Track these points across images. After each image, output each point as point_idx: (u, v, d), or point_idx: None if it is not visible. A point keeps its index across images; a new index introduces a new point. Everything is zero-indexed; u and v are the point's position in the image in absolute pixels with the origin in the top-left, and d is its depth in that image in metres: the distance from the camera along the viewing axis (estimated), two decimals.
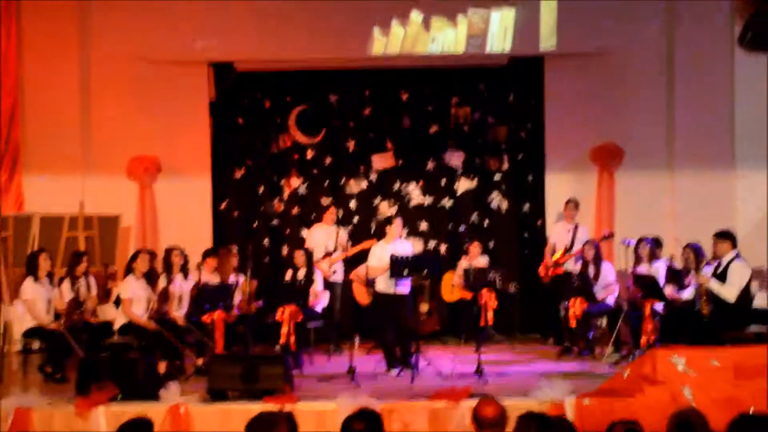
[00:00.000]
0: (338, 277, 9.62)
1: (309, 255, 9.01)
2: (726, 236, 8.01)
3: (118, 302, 8.43)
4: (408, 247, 8.51)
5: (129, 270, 8.31)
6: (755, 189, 10.16)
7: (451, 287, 10.13)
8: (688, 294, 8.26)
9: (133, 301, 8.17)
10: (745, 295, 7.85)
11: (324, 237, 9.71)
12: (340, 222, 10.29)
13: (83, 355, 7.53)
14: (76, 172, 10.29)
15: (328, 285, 9.34)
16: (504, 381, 7.49)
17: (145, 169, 10.34)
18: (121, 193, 10.33)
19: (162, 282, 8.45)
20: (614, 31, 10.31)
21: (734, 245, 7.98)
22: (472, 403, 5.25)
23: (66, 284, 8.34)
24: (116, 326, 8.24)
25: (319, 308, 8.98)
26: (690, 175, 10.27)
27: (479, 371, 7.58)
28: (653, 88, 10.43)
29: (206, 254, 9.04)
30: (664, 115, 10.43)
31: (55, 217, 9.55)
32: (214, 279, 8.90)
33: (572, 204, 9.88)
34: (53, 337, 7.90)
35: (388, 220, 8.54)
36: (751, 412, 5.35)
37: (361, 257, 9.50)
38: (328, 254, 9.55)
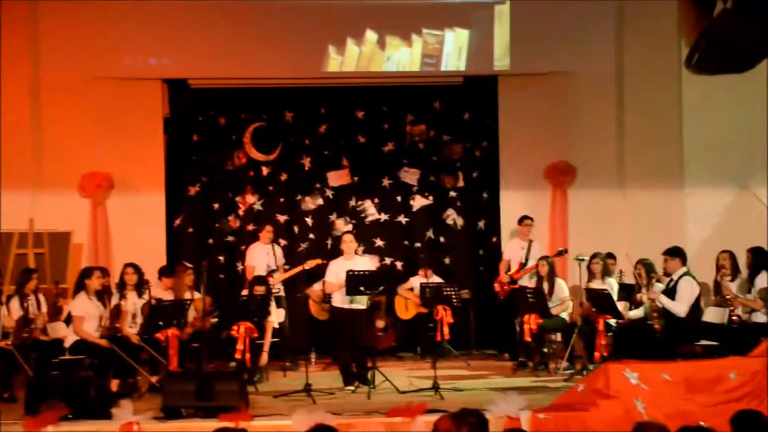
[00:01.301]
0: (281, 294, 9.58)
1: (268, 288, 8.88)
2: (676, 253, 8.20)
3: (69, 320, 8.28)
4: (365, 263, 8.49)
5: (80, 287, 8.15)
6: (703, 207, 10.37)
7: (405, 302, 10.12)
8: (638, 312, 8.37)
9: (84, 318, 8.01)
10: (695, 310, 8.01)
11: (263, 256, 9.65)
12: (287, 239, 10.25)
13: (32, 374, 7.38)
14: (26, 188, 10.08)
15: (276, 301, 9.29)
16: (460, 396, 7.47)
17: (98, 186, 10.19)
18: (72, 210, 10.15)
19: (115, 299, 8.32)
20: (566, 53, 10.45)
21: (684, 262, 8.15)
22: (428, 418, 5.26)
23: (15, 302, 8.15)
24: (67, 344, 8.06)
25: (275, 324, 8.89)
26: (640, 193, 10.42)
27: (436, 387, 7.56)
28: (604, 108, 10.59)
29: (162, 273, 8.94)
30: (614, 134, 10.59)
31: (3, 233, 9.37)
32: (168, 296, 8.78)
33: (527, 221, 9.99)
34: (1, 355, 7.71)
35: (339, 237, 8.56)
36: (701, 424, 5.43)
37: (313, 272, 9.52)
38: (270, 272, 9.51)
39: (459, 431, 4.33)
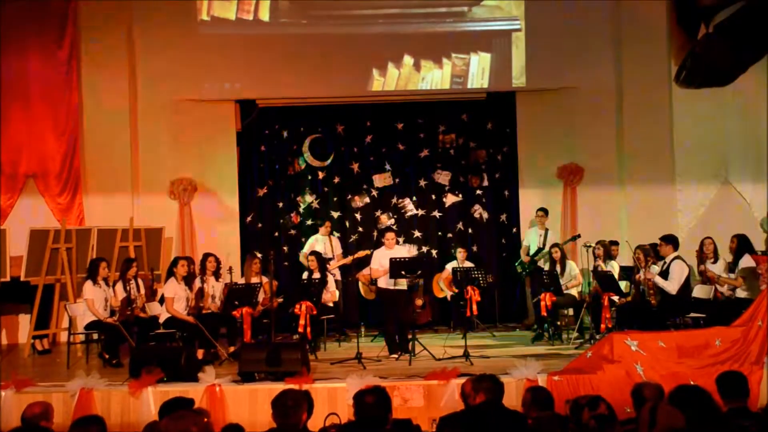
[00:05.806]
0: (336, 277, 9.62)
1: (321, 259, 8.99)
2: (669, 240, 8.11)
3: (162, 300, 8.43)
4: (404, 251, 8.51)
5: (171, 273, 8.30)
6: (691, 200, 10.27)
7: (439, 286, 10.13)
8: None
9: (174, 299, 8.16)
10: (685, 288, 7.91)
11: (321, 245, 9.73)
12: (339, 232, 10.39)
13: (134, 345, 7.53)
14: (127, 192, 10.30)
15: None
16: (487, 362, 7.47)
17: (184, 189, 10.37)
18: (164, 210, 10.33)
19: (198, 283, 8.46)
20: (573, 72, 10.38)
21: (676, 247, 8.05)
22: (460, 381, 5.27)
23: (119, 286, 8.34)
24: (161, 320, 8.23)
25: (330, 303, 8.95)
26: (638, 189, 10.33)
27: (466, 355, 7.58)
28: (606, 117, 10.50)
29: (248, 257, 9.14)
30: (615, 139, 10.49)
31: (109, 229, 9.55)
32: (242, 280, 8.91)
33: (543, 212, 9.95)
34: (110, 329, 7.91)
35: (382, 232, 8.59)
36: (691, 383, 5.37)
37: (361, 259, 9.63)
38: (326, 260, 9.56)
39: (478, 393, 4.38)
